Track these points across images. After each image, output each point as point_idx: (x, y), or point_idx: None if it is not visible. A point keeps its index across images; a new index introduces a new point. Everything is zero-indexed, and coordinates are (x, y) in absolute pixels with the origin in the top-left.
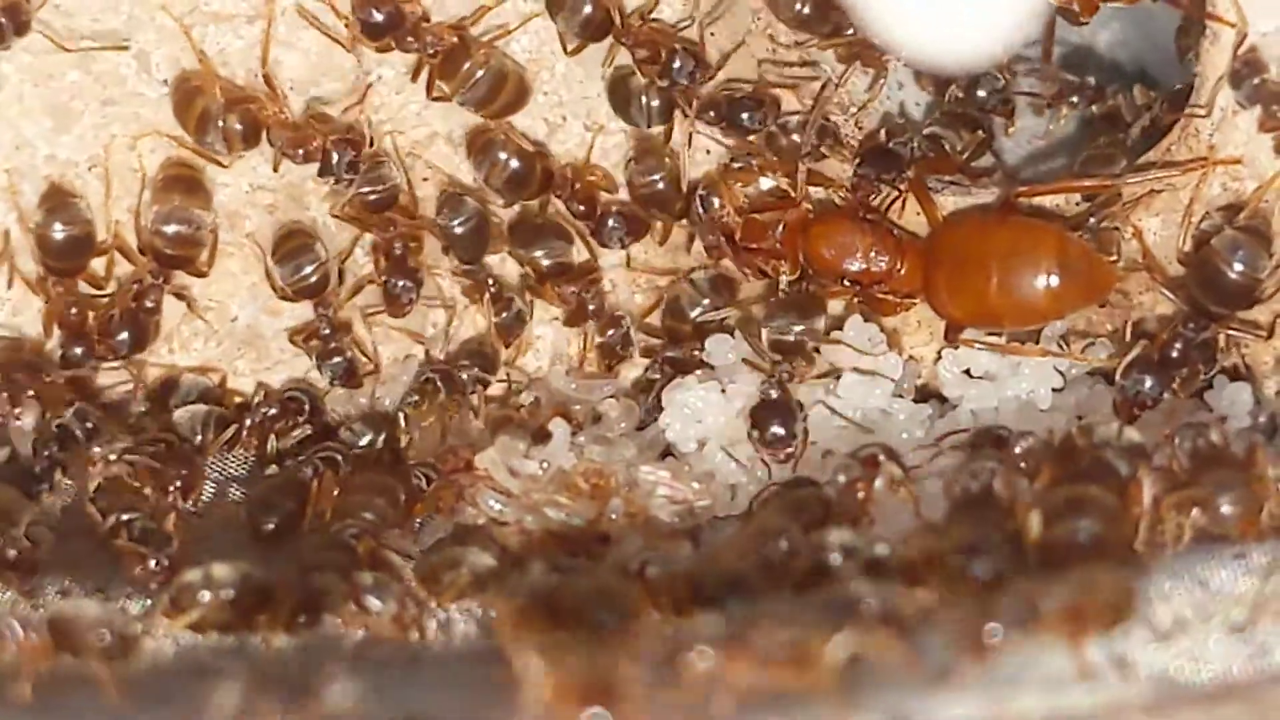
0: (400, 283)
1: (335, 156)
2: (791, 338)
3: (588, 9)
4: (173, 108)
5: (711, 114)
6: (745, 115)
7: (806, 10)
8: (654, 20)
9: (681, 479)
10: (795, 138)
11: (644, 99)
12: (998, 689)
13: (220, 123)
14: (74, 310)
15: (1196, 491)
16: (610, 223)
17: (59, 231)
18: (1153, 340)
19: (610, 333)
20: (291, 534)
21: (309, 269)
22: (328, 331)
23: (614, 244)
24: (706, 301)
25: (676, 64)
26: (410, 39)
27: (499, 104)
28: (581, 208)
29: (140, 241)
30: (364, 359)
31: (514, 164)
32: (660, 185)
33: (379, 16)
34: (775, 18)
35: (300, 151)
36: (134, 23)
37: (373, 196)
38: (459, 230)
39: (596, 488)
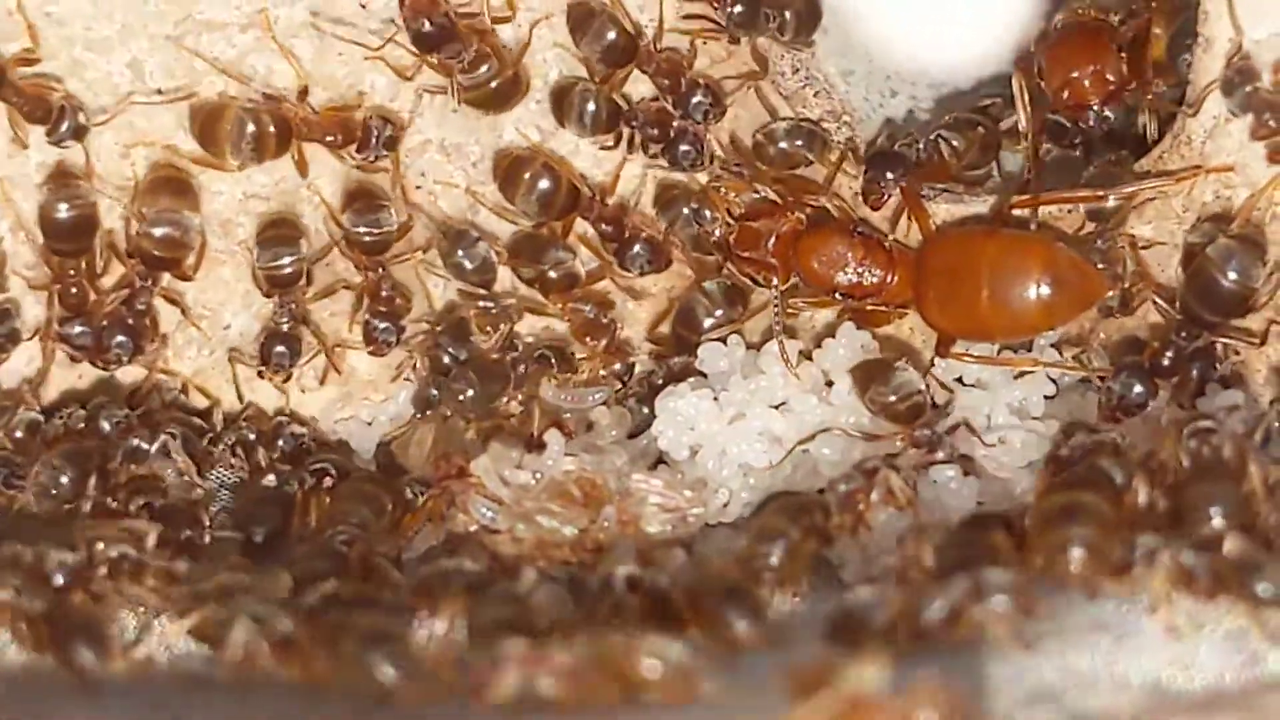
0: (382, 325)
1: (374, 132)
2: (904, 406)
3: (611, 34)
4: (198, 126)
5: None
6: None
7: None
8: (669, 49)
9: (674, 487)
10: (783, 145)
11: (586, 107)
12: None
13: (250, 127)
14: (74, 290)
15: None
16: (636, 248)
17: (63, 211)
18: (1144, 348)
19: (616, 366)
20: (280, 545)
21: (286, 259)
22: (286, 323)
23: (635, 269)
24: (720, 313)
25: (695, 99)
26: (458, 47)
27: (498, 108)
28: (608, 229)
29: (128, 244)
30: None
31: (543, 184)
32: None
33: (430, 27)
34: None
35: (338, 135)
36: (127, 31)
37: (368, 238)
38: (468, 265)
39: (589, 496)
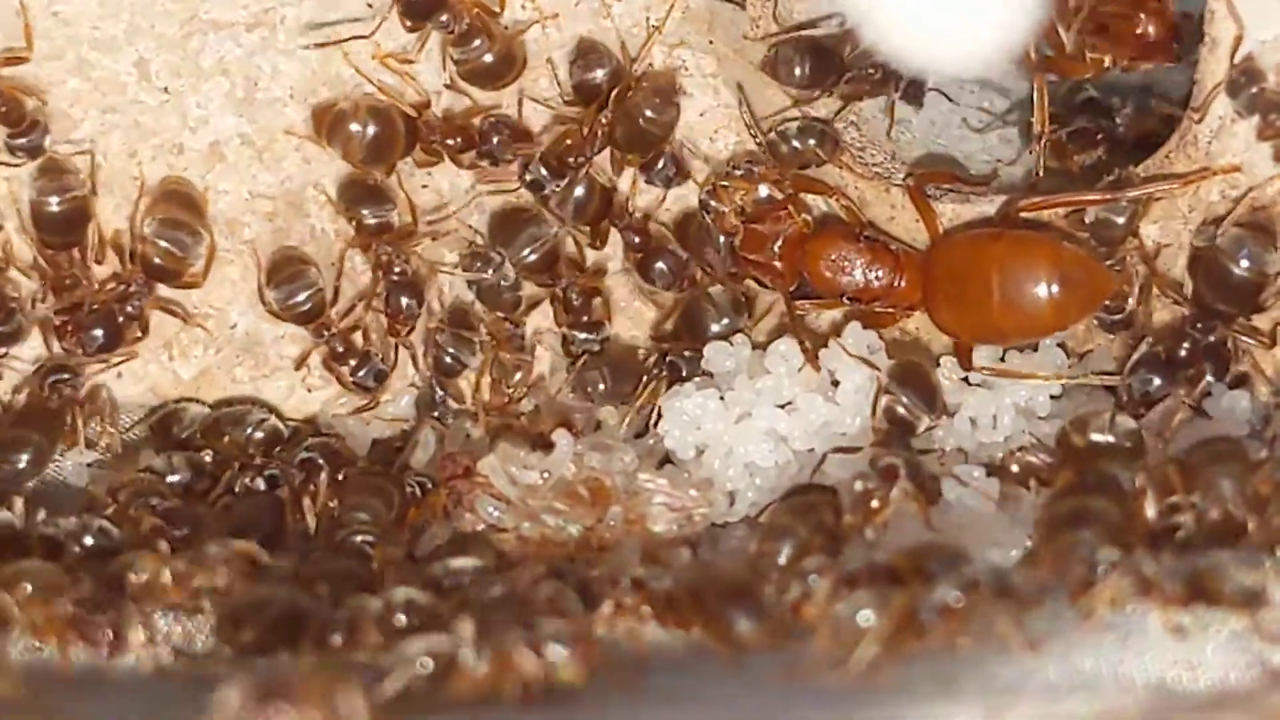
0: (405, 300)
1: (493, 137)
2: (902, 413)
3: (580, 190)
4: (324, 130)
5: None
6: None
7: (806, 72)
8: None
9: (680, 487)
10: (796, 144)
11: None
12: (995, 698)
13: (375, 127)
14: (69, 281)
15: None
16: (659, 264)
17: (53, 205)
18: (1157, 340)
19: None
20: (279, 548)
21: (302, 295)
22: (342, 350)
23: (659, 284)
24: (726, 320)
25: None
26: (449, 17)
27: (492, 84)
28: (636, 239)
29: (132, 248)
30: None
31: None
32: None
33: None
34: (778, 83)
35: (459, 140)
36: (133, 30)
37: (371, 219)
38: (494, 284)
39: (595, 495)
